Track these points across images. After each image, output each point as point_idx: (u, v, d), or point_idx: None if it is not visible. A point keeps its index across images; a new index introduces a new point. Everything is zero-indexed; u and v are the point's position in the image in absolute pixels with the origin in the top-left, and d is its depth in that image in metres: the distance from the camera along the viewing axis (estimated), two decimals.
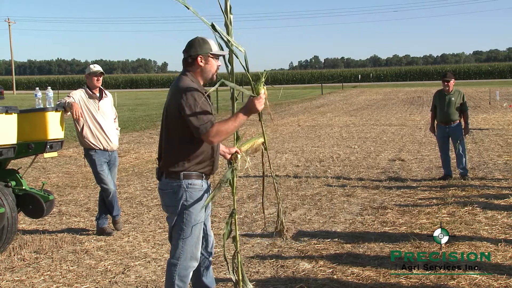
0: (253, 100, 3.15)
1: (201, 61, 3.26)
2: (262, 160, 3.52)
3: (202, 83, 3.30)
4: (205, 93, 3.23)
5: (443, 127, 8.16)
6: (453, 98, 8.05)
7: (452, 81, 8.14)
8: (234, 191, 3.38)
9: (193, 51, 3.26)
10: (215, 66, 3.32)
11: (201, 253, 3.46)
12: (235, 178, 3.37)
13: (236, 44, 3.15)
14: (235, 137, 3.47)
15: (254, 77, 3.17)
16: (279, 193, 3.60)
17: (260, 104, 3.17)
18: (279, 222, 3.56)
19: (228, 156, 3.48)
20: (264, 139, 3.49)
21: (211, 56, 3.27)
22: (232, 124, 3.14)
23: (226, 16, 3.17)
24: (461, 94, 8.17)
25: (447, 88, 8.10)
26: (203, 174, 3.30)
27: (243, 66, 3.19)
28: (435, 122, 8.37)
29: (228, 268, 3.44)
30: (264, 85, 3.19)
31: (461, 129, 8.11)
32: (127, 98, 41.83)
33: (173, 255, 3.31)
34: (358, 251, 4.96)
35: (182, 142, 3.20)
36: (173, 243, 3.32)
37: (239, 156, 3.45)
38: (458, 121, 8.10)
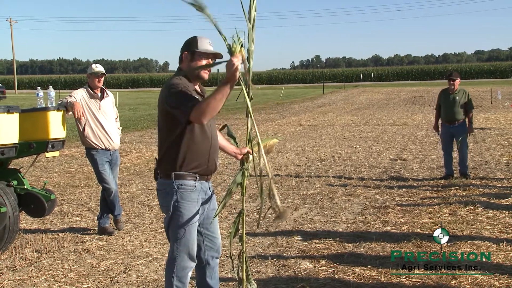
0: (226, 65, 2.87)
1: (186, 58, 3.27)
2: (257, 156, 3.18)
3: (192, 81, 3.28)
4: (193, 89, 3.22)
5: (447, 126, 8.15)
6: (457, 97, 8.04)
7: (458, 81, 8.13)
8: (244, 191, 3.34)
9: (182, 48, 3.30)
10: (202, 63, 3.24)
11: (206, 255, 3.46)
12: (245, 179, 3.32)
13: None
14: (247, 138, 3.40)
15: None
16: (272, 179, 3.03)
17: (232, 67, 2.82)
18: (274, 203, 3.08)
19: (240, 157, 3.46)
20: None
21: (198, 53, 3.24)
22: (213, 97, 2.93)
23: (248, 15, 3.02)
24: (465, 93, 8.16)
25: (452, 87, 8.08)
26: (197, 175, 3.26)
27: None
28: (439, 121, 8.36)
29: (233, 267, 3.43)
30: (241, 45, 2.86)
31: (465, 129, 8.09)
32: (128, 98, 41.82)
33: (170, 256, 3.31)
34: (360, 250, 4.96)
35: (173, 141, 3.19)
36: (170, 244, 3.33)
37: (250, 156, 3.42)
38: (462, 120, 8.08)
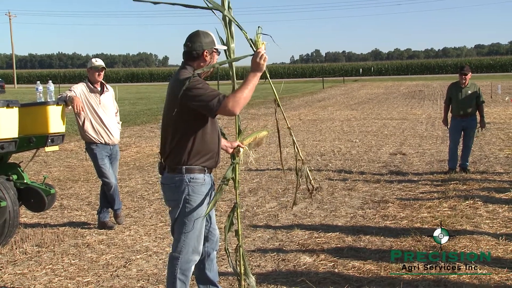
0: (254, 57, 3.09)
1: (207, 56, 3.26)
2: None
3: (202, 77, 3.29)
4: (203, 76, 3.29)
5: (459, 120, 8.12)
6: (470, 91, 8.03)
7: (469, 75, 8.11)
8: (237, 185, 3.38)
9: (199, 46, 3.24)
10: (216, 60, 3.34)
11: (205, 247, 3.47)
12: (237, 173, 3.35)
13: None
14: (237, 131, 3.46)
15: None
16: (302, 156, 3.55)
17: (261, 58, 3.08)
18: (308, 181, 3.57)
19: (230, 150, 3.47)
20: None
21: (214, 50, 3.29)
22: (246, 87, 3.07)
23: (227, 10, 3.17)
24: (476, 87, 8.15)
25: (464, 81, 8.05)
26: (206, 168, 3.29)
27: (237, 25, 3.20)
28: (449, 114, 8.32)
29: (229, 261, 3.45)
30: (262, 41, 3.11)
31: (476, 123, 8.10)
32: (128, 92, 41.76)
33: (175, 249, 3.31)
34: (359, 244, 4.97)
35: (184, 136, 3.20)
36: (175, 237, 3.33)
37: (241, 150, 3.45)
38: (473, 114, 8.08)
